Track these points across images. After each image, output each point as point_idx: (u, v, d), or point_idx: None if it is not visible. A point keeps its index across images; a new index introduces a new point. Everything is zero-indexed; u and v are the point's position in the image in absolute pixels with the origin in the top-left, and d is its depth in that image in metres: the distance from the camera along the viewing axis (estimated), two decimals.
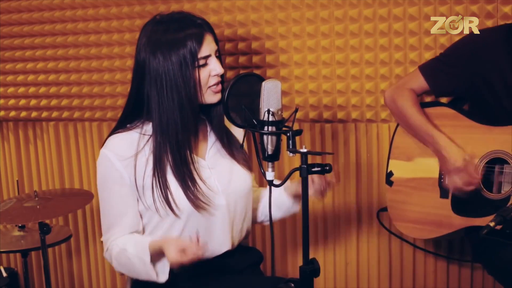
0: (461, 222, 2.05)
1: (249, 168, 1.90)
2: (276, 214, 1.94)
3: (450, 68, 2.08)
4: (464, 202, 2.04)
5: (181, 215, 1.75)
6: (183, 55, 1.68)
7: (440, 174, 2.13)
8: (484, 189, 2.01)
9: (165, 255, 1.66)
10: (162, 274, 1.70)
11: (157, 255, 1.70)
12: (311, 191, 1.74)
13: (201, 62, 1.71)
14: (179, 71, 1.69)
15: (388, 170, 2.28)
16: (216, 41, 1.78)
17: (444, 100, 2.30)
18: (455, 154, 2.02)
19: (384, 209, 2.38)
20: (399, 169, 2.25)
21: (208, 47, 1.72)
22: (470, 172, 1.99)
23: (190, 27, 1.71)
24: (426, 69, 2.14)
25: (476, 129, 2.06)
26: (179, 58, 1.68)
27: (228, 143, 1.88)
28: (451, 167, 2.03)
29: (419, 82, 2.14)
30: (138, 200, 1.78)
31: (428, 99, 2.34)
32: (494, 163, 2.01)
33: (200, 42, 1.70)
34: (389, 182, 2.27)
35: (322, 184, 1.78)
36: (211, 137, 1.87)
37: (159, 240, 1.71)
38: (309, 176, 1.60)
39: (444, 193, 2.12)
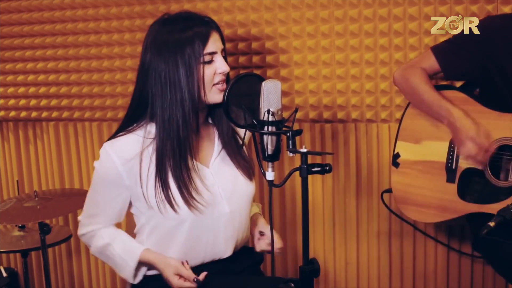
0: (466, 208, 2.04)
1: (251, 178, 1.90)
2: None
3: (463, 50, 2.05)
4: (470, 188, 2.03)
5: (182, 215, 1.75)
6: (188, 53, 1.69)
7: (448, 158, 2.11)
8: (492, 176, 2.00)
9: (151, 267, 1.81)
10: (138, 278, 1.84)
11: (143, 264, 1.81)
12: (258, 248, 1.91)
13: (207, 58, 1.71)
14: (183, 68, 1.69)
15: (395, 152, 2.26)
16: (223, 40, 1.78)
17: (455, 84, 2.28)
18: (469, 124, 1.99)
19: (388, 190, 2.36)
20: (406, 151, 2.23)
21: (214, 44, 1.73)
22: (483, 142, 1.97)
23: (197, 25, 1.72)
24: (439, 50, 2.10)
25: (488, 114, 2.03)
26: (184, 56, 1.69)
27: (234, 151, 1.87)
28: (464, 136, 1.99)
29: (431, 63, 2.11)
30: (135, 199, 1.80)
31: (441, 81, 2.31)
32: (504, 150, 1.99)
33: (206, 39, 1.71)
34: (395, 164, 2.25)
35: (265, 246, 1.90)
36: (218, 144, 1.87)
37: (154, 255, 1.80)
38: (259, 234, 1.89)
39: (451, 177, 2.10)
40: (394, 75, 2.19)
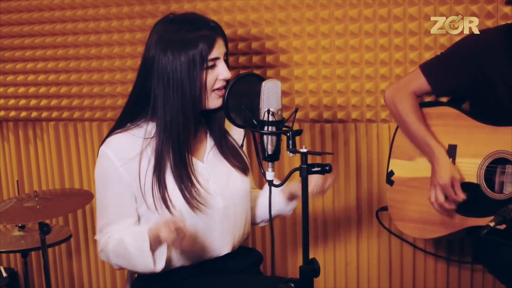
0: (463, 222, 2.05)
1: (245, 174, 1.90)
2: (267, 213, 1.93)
3: (451, 68, 2.07)
4: (466, 202, 2.03)
5: (177, 214, 1.74)
6: (192, 55, 1.69)
7: None
8: (488, 189, 2.01)
9: (162, 241, 1.67)
10: (159, 262, 1.71)
11: (155, 243, 1.69)
12: (311, 188, 1.75)
13: (210, 63, 1.72)
14: (186, 71, 1.69)
15: (389, 170, 2.27)
16: (227, 45, 1.79)
17: (444, 99, 2.30)
18: (445, 170, 2.02)
19: (383, 208, 2.38)
20: (400, 168, 2.24)
21: (218, 50, 1.73)
22: (451, 191, 2.01)
23: (203, 29, 1.71)
24: (427, 68, 2.13)
25: (480, 128, 2.05)
26: (188, 58, 1.68)
27: (226, 148, 1.88)
28: (436, 181, 2.04)
29: (420, 83, 2.12)
30: (136, 201, 1.78)
31: (428, 98, 2.33)
32: (498, 163, 2.00)
33: (211, 45, 1.71)
34: (390, 182, 2.27)
35: (322, 185, 1.80)
36: (210, 141, 1.87)
37: (155, 225, 1.68)
38: (311, 177, 1.64)
39: None
40: (385, 94, 2.20)
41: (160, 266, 1.71)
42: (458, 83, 2.08)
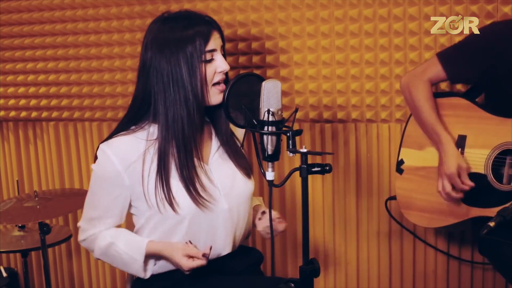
0: (469, 212, 2.06)
1: (249, 176, 1.90)
2: None
3: (467, 56, 2.06)
4: (474, 193, 2.04)
5: (182, 214, 1.75)
6: (190, 51, 1.69)
7: None
8: (495, 180, 2.01)
9: (159, 257, 1.78)
10: (148, 272, 1.81)
11: (150, 256, 1.79)
12: (259, 227, 1.92)
13: (208, 56, 1.72)
14: (185, 66, 1.69)
15: (399, 158, 2.27)
16: (223, 39, 1.79)
17: (459, 88, 2.29)
18: (453, 160, 2.03)
19: (392, 197, 2.37)
20: (410, 157, 2.24)
21: (214, 42, 1.73)
22: (457, 181, 2.02)
23: (199, 24, 1.72)
24: (444, 56, 2.11)
25: (490, 120, 2.05)
26: (186, 54, 1.69)
27: (234, 149, 1.88)
28: (443, 171, 2.05)
29: (436, 70, 2.11)
30: (138, 201, 1.78)
31: (442, 87, 2.32)
32: (506, 154, 2.00)
33: (207, 38, 1.71)
34: (400, 170, 2.27)
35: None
36: (216, 142, 1.87)
37: (159, 244, 1.78)
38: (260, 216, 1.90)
39: None
40: (401, 81, 2.20)
41: (148, 274, 1.82)
42: (474, 72, 2.07)
